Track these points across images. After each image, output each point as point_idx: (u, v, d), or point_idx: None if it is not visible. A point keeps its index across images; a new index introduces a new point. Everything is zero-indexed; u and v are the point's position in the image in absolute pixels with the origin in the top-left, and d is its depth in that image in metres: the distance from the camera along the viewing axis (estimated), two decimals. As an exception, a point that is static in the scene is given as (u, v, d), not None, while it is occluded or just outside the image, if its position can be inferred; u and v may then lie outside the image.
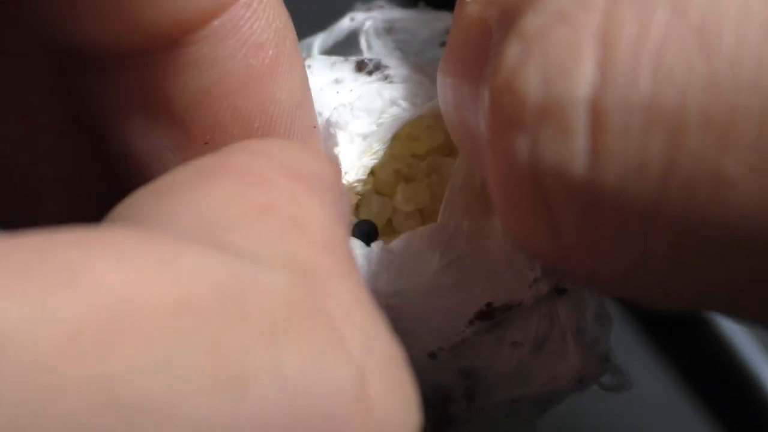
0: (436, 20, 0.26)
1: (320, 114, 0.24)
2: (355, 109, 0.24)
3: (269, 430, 0.14)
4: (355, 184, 0.23)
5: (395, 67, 0.25)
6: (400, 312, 0.22)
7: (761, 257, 0.16)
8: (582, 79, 0.16)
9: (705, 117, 0.15)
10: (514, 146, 0.17)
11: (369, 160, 0.24)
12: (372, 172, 0.24)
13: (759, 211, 0.15)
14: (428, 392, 0.22)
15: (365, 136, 0.24)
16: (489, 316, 0.22)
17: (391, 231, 0.24)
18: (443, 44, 0.26)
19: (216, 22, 0.20)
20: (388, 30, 0.26)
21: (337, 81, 0.24)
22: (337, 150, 0.23)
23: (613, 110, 0.16)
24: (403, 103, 0.24)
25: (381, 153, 0.24)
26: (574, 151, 0.16)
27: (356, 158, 0.24)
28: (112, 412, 0.13)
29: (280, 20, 0.21)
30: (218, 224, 0.17)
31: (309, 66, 0.25)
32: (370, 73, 0.25)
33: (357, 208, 0.24)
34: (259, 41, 0.20)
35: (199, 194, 0.17)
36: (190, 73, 0.20)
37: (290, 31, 0.21)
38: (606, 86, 0.16)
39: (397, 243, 0.22)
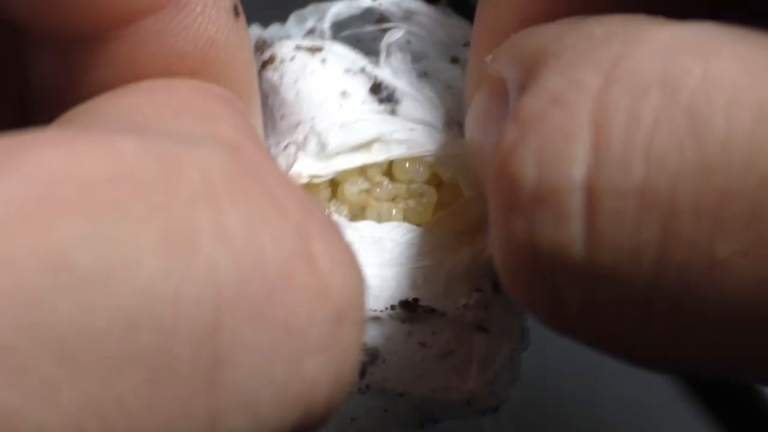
0: (456, 27, 0.26)
1: (313, 119, 0.24)
2: (345, 131, 0.24)
3: (222, 290, 0.15)
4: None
5: (407, 102, 0.24)
6: None
7: (761, 329, 0.16)
8: (576, 164, 0.16)
9: (697, 202, 0.15)
10: (512, 228, 0.17)
11: (328, 173, 0.24)
12: (335, 183, 0.24)
13: (756, 292, 0.15)
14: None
15: (335, 155, 0.24)
16: (411, 308, 0.23)
17: None
18: (454, 60, 0.25)
19: (140, 24, 0.20)
20: (408, 42, 0.25)
21: (344, 94, 0.24)
22: (300, 154, 0.23)
23: (607, 195, 0.16)
24: (396, 147, 0.24)
25: (343, 172, 0.24)
26: (570, 235, 0.16)
27: (314, 166, 0.23)
28: (66, 279, 0.13)
29: (216, 28, 0.20)
30: (138, 119, 0.17)
31: (323, 59, 0.24)
32: (381, 101, 0.24)
33: None
34: (184, 51, 0.20)
35: (105, 108, 0.17)
36: (105, 68, 0.20)
37: (235, 37, 0.21)
38: (600, 171, 0.16)
39: (363, 224, 0.23)
